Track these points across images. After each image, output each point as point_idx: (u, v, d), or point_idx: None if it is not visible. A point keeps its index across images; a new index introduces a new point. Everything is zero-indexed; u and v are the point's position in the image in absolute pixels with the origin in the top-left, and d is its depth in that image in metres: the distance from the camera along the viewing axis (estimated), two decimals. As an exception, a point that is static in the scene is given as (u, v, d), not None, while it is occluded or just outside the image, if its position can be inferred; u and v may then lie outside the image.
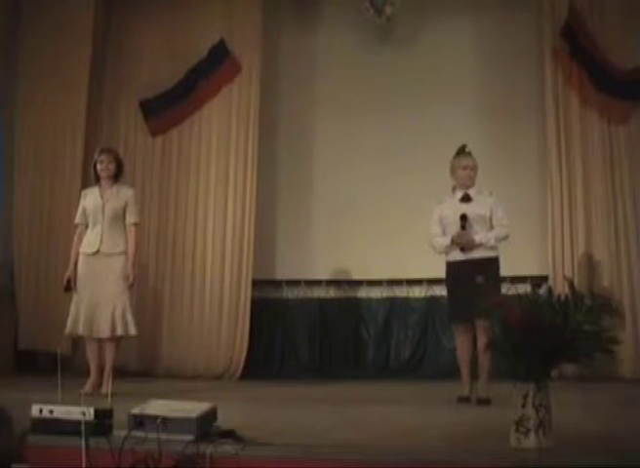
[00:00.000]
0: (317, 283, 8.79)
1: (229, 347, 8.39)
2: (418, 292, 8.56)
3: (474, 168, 6.21)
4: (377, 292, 8.72)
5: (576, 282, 7.55)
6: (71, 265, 6.66)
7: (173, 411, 3.77)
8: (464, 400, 5.89)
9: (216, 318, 8.53)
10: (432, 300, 8.49)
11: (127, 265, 6.56)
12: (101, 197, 6.66)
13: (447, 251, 6.17)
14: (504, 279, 8.21)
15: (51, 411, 3.96)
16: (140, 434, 3.66)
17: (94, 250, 6.56)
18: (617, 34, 8.03)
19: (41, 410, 3.98)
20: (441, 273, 8.03)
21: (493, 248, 6.06)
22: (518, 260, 8.02)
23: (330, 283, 8.80)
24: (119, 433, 3.75)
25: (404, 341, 8.59)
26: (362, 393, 6.90)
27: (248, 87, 8.78)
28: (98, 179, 6.79)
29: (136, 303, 8.53)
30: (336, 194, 8.73)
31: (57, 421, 3.91)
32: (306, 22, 9.36)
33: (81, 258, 6.62)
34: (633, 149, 7.93)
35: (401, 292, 8.69)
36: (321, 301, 8.80)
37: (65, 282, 6.64)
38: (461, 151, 6.30)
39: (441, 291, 8.34)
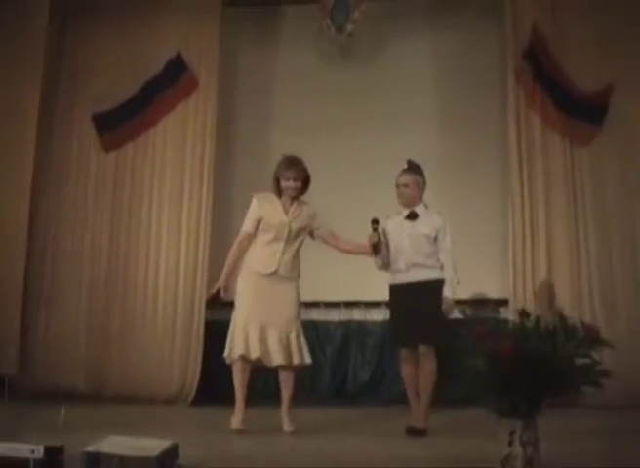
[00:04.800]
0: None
1: (182, 370, 8.15)
2: (376, 315, 8.35)
3: (411, 185, 5.90)
4: (334, 315, 8.52)
5: (536, 305, 7.59)
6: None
7: (131, 450, 3.54)
8: (414, 432, 5.58)
9: (168, 340, 8.27)
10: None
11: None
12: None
13: (386, 270, 5.94)
14: (464, 302, 8.22)
15: (-5, 448, 3.62)
16: (95, 474, 3.39)
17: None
18: (579, 57, 8.00)
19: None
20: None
21: (436, 269, 5.78)
22: (478, 283, 7.93)
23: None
24: (72, 472, 3.48)
25: (362, 365, 8.38)
26: (318, 419, 6.68)
27: (204, 103, 8.61)
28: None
29: (86, 324, 8.42)
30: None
31: (1, 459, 3.58)
32: (266, 38, 9.24)
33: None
34: (596, 171, 7.88)
35: (359, 314, 8.50)
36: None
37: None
38: (403, 169, 6.01)
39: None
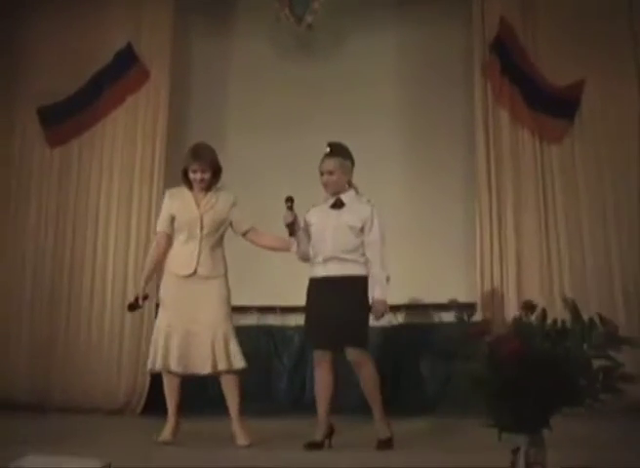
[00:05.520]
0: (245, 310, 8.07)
1: (131, 378, 7.67)
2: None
3: (336, 171, 5.36)
4: (291, 320, 8.08)
5: (505, 308, 7.25)
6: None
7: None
8: (315, 446, 5.16)
9: (116, 346, 7.80)
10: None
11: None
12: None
13: (306, 260, 5.46)
14: (427, 307, 7.88)
15: None
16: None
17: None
18: (549, 49, 7.65)
19: None
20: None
21: (358, 264, 5.25)
22: (443, 287, 7.58)
23: (240, 309, 8.12)
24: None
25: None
26: (277, 430, 6.26)
27: (156, 96, 8.15)
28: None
29: (28, 329, 7.94)
30: (250, 212, 8.08)
31: None
32: (220, 29, 8.81)
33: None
34: (567, 170, 7.53)
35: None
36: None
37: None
38: (325, 154, 5.46)
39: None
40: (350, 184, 5.48)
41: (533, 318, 3.02)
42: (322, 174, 5.42)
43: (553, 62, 7.63)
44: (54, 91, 8.22)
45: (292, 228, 5.30)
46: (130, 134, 8.18)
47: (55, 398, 7.80)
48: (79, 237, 8.13)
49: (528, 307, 3.08)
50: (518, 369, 2.80)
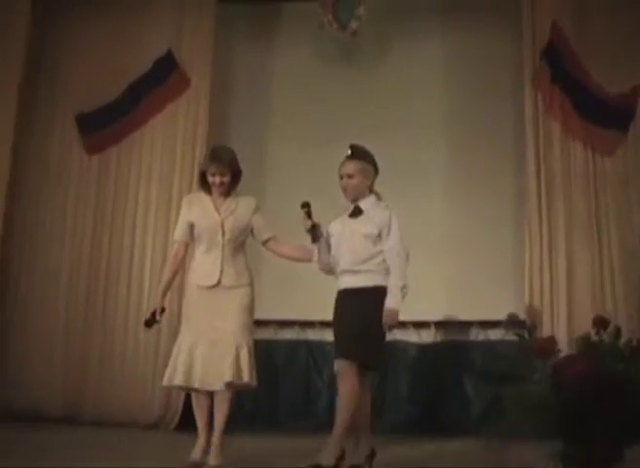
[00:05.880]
0: (264, 323, 7.73)
1: (165, 393, 7.41)
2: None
3: (357, 174, 5.02)
4: (331, 335, 7.83)
5: (555, 328, 6.95)
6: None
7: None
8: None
9: (151, 361, 7.59)
10: (393, 345, 7.60)
11: None
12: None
13: (327, 271, 5.12)
14: (472, 324, 7.62)
15: None
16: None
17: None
18: (603, 58, 7.38)
19: None
20: (403, 314, 7.37)
21: (376, 274, 4.89)
22: (489, 303, 7.35)
23: (279, 324, 7.93)
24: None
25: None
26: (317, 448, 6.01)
27: (196, 104, 8.00)
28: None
29: (63, 342, 7.79)
30: (289, 223, 7.88)
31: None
32: (263, 37, 8.65)
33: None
34: (620, 184, 7.24)
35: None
36: (268, 343, 7.78)
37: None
38: (346, 156, 5.13)
39: (402, 334, 7.66)
40: (372, 190, 5.16)
41: (605, 336, 2.71)
42: (341, 177, 5.10)
43: (607, 69, 7.36)
44: (93, 98, 8.11)
45: (313, 234, 5.02)
46: (169, 141, 8.02)
47: (88, 412, 7.64)
48: (115, 247, 7.98)
49: (600, 323, 2.76)
50: (583, 392, 2.49)
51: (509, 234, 7.71)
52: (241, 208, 5.26)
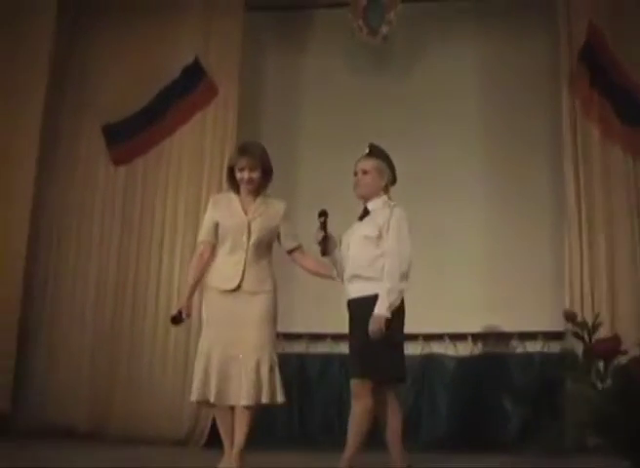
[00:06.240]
0: (297, 337, 7.60)
1: (194, 409, 7.20)
2: (412, 349, 7.48)
3: (371, 171, 4.87)
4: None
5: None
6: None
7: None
8: None
9: (180, 376, 7.39)
10: (429, 359, 7.45)
11: None
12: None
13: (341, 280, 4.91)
14: (511, 335, 7.38)
15: None
16: None
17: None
18: (640, 57, 7.14)
19: None
20: (437, 326, 7.13)
21: (376, 281, 4.63)
22: (527, 314, 7.16)
23: (312, 337, 7.73)
24: None
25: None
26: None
27: (224, 112, 7.83)
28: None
29: (89, 357, 7.65)
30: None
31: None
32: (292, 44, 8.50)
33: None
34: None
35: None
36: (301, 358, 7.64)
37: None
38: (363, 155, 5.00)
39: (438, 348, 7.46)
40: (386, 192, 4.96)
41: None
42: (355, 174, 4.95)
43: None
44: (120, 107, 7.98)
45: (323, 247, 4.84)
46: (197, 151, 7.86)
47: (115, 427, 7.47)
48: (143, 257, 7.84)
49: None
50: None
51: (548, 243, 7.49)
52: (271, 210, 5.02)
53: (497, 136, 7.87)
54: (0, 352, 7.42)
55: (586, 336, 5.52)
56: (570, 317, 4.93)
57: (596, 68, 7.14)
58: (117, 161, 8.01)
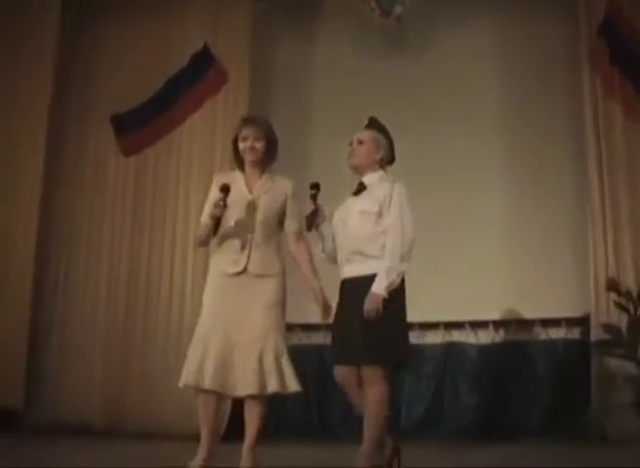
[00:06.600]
0: (315, 328, 7.40)
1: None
2: (433, 338, 7.33)
3: (368, 142, 4.63)
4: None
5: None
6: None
7: None
8: None
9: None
10: (450, 347, 7.30)
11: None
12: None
13: (332, 261, 4.65)
14: (533, 322, 7.20)
15: None
16: None
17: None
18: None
19: None
20: (458, 314, 6.94)
21: (377, 259, 4.35)
22: (550, 300, 6.99)
23: (330, 328, 7.55)
24: None
25: (416, 395, 7.29)
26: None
27: (235, 99, 7.72)
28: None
29: (102, 352, 7.59)
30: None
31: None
32: (303, 29, 8.40)
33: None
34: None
35: (412, 337, 7.42)
36: (320, 349, 7.39)
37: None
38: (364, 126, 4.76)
39: (459, 335, 7.29)
40: (382, 167, 4.69)
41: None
42: (351, 145, 4.71)
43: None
44: (129, 98, 7.94)
45: (310, 221, 4.61)
46: (208, 137, 7.77)
47: (130, 422, 7.42)
48: (155, 251, 7.78)
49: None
50: None
51: (570, 228, 7.29)
52: (277, 188, 4.65)
53: (514, 125, 7.68)
54: (12, 352, 7.43)
55: (631, 308, 5.27)
56: (612, 286, 4.70)
57: (616, 42, 6.95)
58: (127, 152, 7.94)
